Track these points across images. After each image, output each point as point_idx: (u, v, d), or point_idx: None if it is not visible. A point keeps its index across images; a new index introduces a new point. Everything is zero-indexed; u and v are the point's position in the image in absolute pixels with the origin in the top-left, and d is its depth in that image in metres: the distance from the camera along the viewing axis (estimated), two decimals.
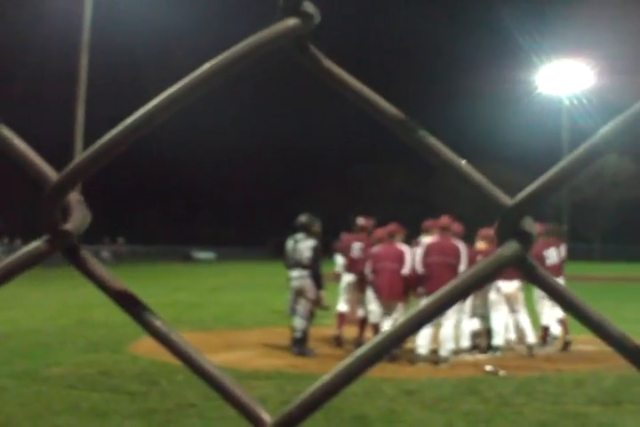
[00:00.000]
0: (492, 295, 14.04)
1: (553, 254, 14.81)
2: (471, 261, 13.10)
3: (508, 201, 0.76)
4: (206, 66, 0.77)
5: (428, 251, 13.22)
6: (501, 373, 11.92)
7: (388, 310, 13.31)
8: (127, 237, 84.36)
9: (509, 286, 13.96)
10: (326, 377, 0.77)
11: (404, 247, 13.62)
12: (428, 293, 12.69)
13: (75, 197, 0.80)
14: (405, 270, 13.32)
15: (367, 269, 13.77)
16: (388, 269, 13.36)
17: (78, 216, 0.80)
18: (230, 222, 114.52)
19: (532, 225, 0.77)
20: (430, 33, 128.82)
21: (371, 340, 0.78)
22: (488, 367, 12.15)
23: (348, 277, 15.10)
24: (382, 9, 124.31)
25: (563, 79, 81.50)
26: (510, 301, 14.01)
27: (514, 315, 14.22)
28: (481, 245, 14.39)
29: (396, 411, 9.15)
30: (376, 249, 13.83)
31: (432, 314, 0.76)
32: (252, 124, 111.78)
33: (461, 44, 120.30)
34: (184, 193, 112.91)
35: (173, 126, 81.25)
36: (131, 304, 0.81)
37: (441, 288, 0.76)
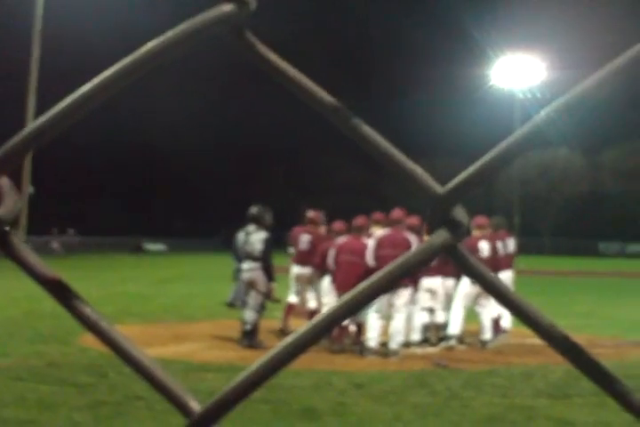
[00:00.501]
0: (464, 288, 14.08)
1: (499, 247, 14.82)
2: None
3: (439, 189, 0.76)
4: (140, 51, 0.76)
5: (380, 244, 13.22)
6: (441, 361, 12.03)
7: None
8: (77, 228, 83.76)
9: None
10: (254, 366, 0.77)
11: (370, 241, 13.59)
12: None
13: (5, 182, 0.78)
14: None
15: (330, 260, 13.74)
16: (349, 262, 13.35)
17: (9, 202, 0.79)
18: (181, 214, 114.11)
19: (463, 214, 0.77)
20: (384, 26, 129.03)
21: (297, 329, 0.79)
22: (437, 360, 12.21)
23: (296, 269, 15.13)
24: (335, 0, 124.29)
25: (516, 73, 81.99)
26: (481, 295, 14.06)
27: (479, 309, 14.29)
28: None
29: (346, 404, 9.17)
30: (341, 241, 13.80)
31: (361, 302, 0.76)
32: (201, 116, 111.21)
33: (414, 38, 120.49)
34: (135, 184, 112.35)
35: (123, 117, 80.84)
36: (61, 292, 0.80)
37: (371, 277, 0.76)
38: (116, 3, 74.28)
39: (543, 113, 0.75)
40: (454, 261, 0.76)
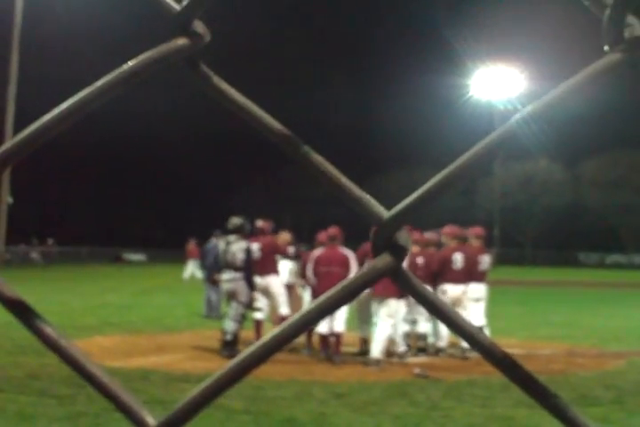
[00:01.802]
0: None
1: (458, 259, 14.62)
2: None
3: (384, 214, 0.79)
4: (99, 83, 0.79)
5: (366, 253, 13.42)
6: (421, 371, 12.04)
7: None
8: (57, 238, 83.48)
9: (456, 289, 14.08)
10: (211, 379, 0.80)
11: (348, 251, 13.66)
12: (373, 294, 12.88)
13: None
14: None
15: (309, 273, 13.76)
16: (329, 272, 13.35)
17: None
18: (162, 224, 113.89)
19: (406, 238, 0.79)
20: (364, 36, 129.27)
21: (257, 341, 0.80)
22: (417, 370, 12.20)
23: (256, 280, 14.96)
24: (317, 8, 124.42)
25: (495, 84, 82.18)
26: (455, 304, 14.05)
27: None
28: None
29: (326, 414, 9.15)
30: (317, 253, 13.84)
31: (310, 321, 0.78)
32: (183, 126, 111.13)
33: (393, 48, 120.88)
34: (115, 194, 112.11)
35: (103, 127, 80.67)
36: (23, 312, 0.83)
37: (319, 297, 0.78)
38: (94, 12, 74.20)
39: (486, 140, 0.78)
40: (398, 284, 0.78)
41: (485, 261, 14.77)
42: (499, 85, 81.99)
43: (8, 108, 47.35)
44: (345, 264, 13.43)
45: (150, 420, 0.79)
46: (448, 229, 14.81)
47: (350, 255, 13.60)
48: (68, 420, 8.59)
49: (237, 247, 13.83)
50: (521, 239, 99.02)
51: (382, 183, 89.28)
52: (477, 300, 14.45)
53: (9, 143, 0.79)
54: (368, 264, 0.79)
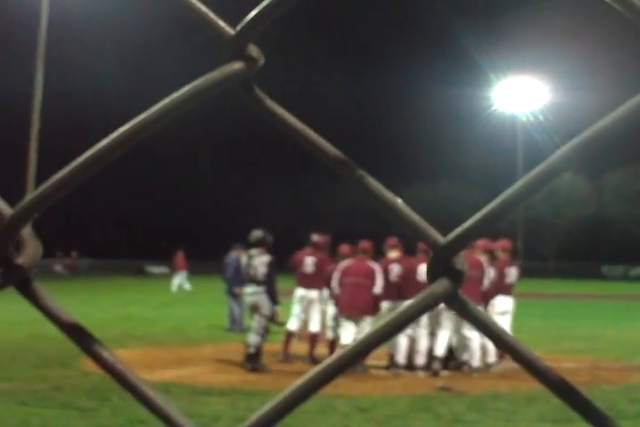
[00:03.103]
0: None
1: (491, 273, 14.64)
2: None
3: (440, 239, 0.79)
4: (155, 108, 0.80)
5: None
6: (444, 385, 12.03)
7: (354, 324, 13.56)
8: (81, 250, 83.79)
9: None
10: (281, 396, 0.79)
11: (375, 264, 13.83)
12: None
13: (27, 230, 0.81)
14: (378, 289, 13.55)
15: (334, 284, 13.86)
16: (354, 283, 13.56)
17: (30, 250, 0.82)
18: (185, 237, 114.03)
19: (462, 263, 0.79)
20: (385, 50, 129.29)
21: (324, 361, 0.80)
22: (440, 384, 12.17)
23: (300, 292, 15.04)
24: (336, 20, 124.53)
25: (519, 96, 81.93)
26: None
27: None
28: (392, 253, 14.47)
29: None
30: (345, 264, 13.95)
31: (370, 346, 0.78)
32: (204, 138, 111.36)
33: (415, 61, 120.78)
34: (139, 207, 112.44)
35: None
36: (81, 336, 0.84)
37: (378, 323, 0.79)
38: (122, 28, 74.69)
39: (544, 164, 0.78)
40: (454, 309, 0.79)
41: (512, 273, 14.79)
42: (522, 98, 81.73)
43: (33, 119, 47.61)
44: (371, 276, 13.60)
45: None
46: (481, 242, 14.77)
47: (377, 268, 13.76)
48: None
49: (259, 261, 13.84)
50: (544, 252, 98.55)
51: (405, 196, 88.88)
52: (503, 313, 14.45)
53: (60, 173, 0.80)
54: (426, 289, 0.79)
